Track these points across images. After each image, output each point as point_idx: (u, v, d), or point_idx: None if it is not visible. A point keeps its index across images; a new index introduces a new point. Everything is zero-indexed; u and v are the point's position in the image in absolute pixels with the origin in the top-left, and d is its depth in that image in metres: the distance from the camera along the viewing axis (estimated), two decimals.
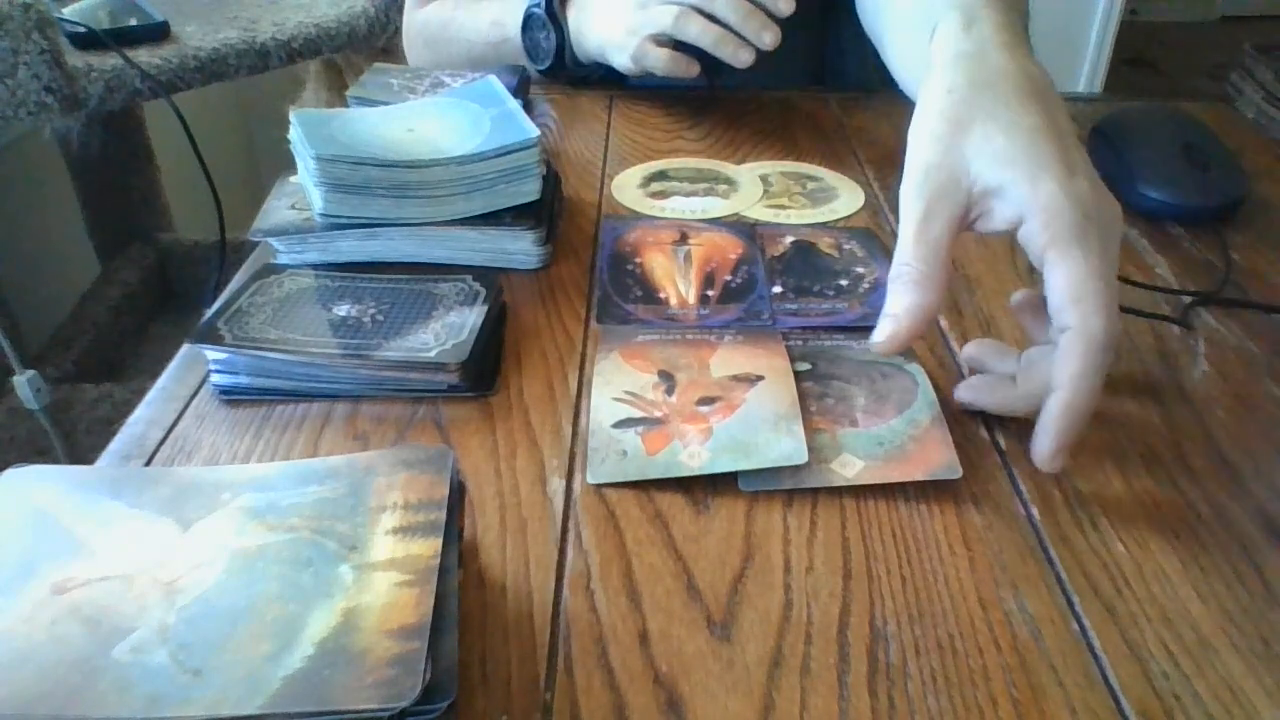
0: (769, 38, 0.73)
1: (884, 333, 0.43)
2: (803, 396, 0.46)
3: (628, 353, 0.51)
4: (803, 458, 0.43)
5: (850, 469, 0.42)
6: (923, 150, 0.44)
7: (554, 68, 0.85)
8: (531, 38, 0.85)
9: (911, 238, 0.43)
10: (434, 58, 0.94)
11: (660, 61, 0.76)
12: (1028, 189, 0.41)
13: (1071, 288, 0.40)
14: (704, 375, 0.49)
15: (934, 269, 0.42)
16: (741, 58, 0.73)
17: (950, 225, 0.43)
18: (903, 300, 0.42)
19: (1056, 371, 0.40)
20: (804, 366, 0.48)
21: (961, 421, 0.47)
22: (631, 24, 0.76)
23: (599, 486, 0.43)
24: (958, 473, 0.42)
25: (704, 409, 0.46)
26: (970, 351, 0.49)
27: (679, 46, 0.75)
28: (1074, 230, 0.40)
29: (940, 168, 0.43)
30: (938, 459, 0.43)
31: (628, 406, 0.47)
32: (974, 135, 0.43)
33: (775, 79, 0.77)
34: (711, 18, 0.73)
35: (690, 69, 0.76)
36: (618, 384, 0.48)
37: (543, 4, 0.83)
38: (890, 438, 0.44)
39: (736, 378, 0.48)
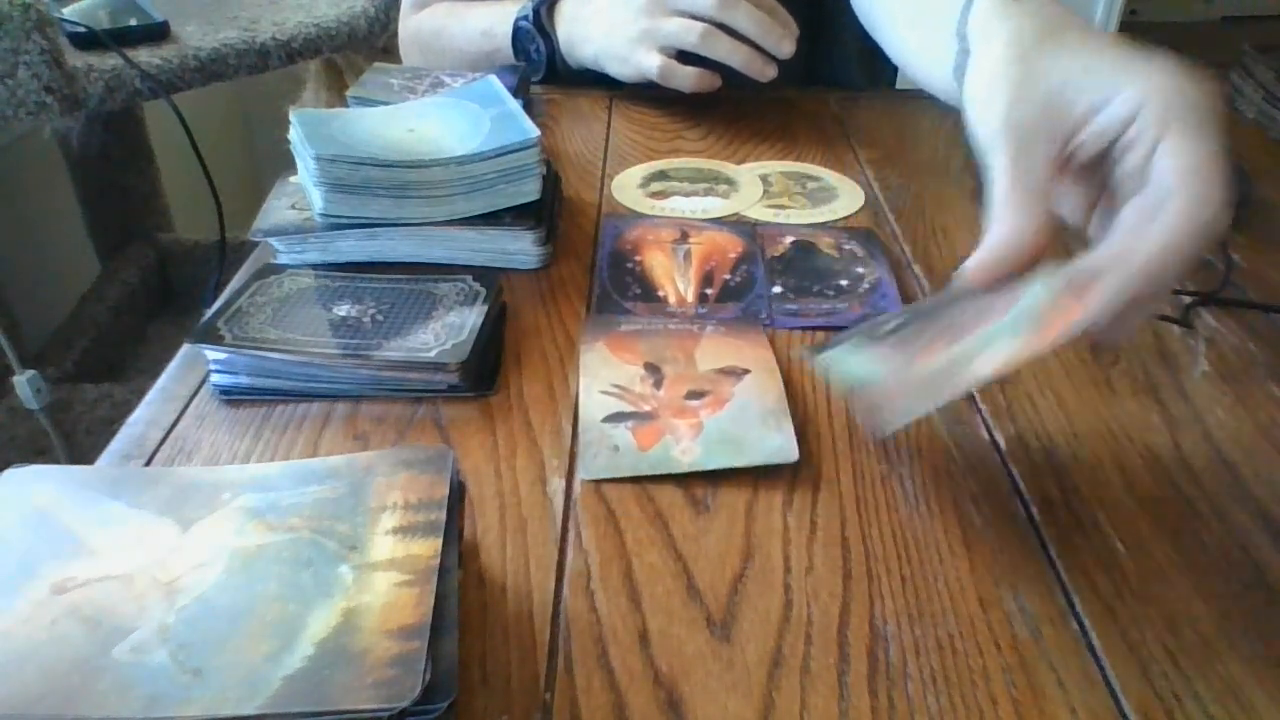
0: (787, 47, 0.73)
1: (973, 260, 0.40)
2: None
3: (613, 344, 0.51)
4: (793, 455, 0.43)
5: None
6: (996, 98, 0.40)
7: (546, 78, 0.86)
8: (522, 49, 0.85)
9: (1007, 187, 0.39)
10: (429, 66, 0.94)
11: (689, 79, 0.76)
12: (1140, 80, 0.38)
13: (1191, 166, 0.36)
14: (690, 368, 0.49)
15: (1034, 203, 0.38)
16: (769, 73, 0.74)
17: (1048, 159, 0.39)
18: (996, 229, 0.39)
19: (1144, 229, 0.36)
20: None
21: (962, 422, 0.47)
22: (632, 33, 0.76)
23: (598, 484, 0.43)
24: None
25: (693, 403, 0.46)
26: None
27: (684, 57, 0.75)
28: (1195, 114, 0.37)
29: (1021, 102, 0.40)
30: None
31: (616, 400, 0.47)
32: (1057, 61, 0.40)
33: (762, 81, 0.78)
34: (729, 31, 0.73)
35: (715, 83, 0.77)
36: (605, 377, 0.48)
37: (530, 16, 0.83)
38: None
39: (723, 371, 0.48)
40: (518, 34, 0.85)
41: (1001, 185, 0.39)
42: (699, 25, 0.73)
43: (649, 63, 0.76)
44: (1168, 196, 0.36)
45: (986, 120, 0.41)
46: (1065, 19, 0.43)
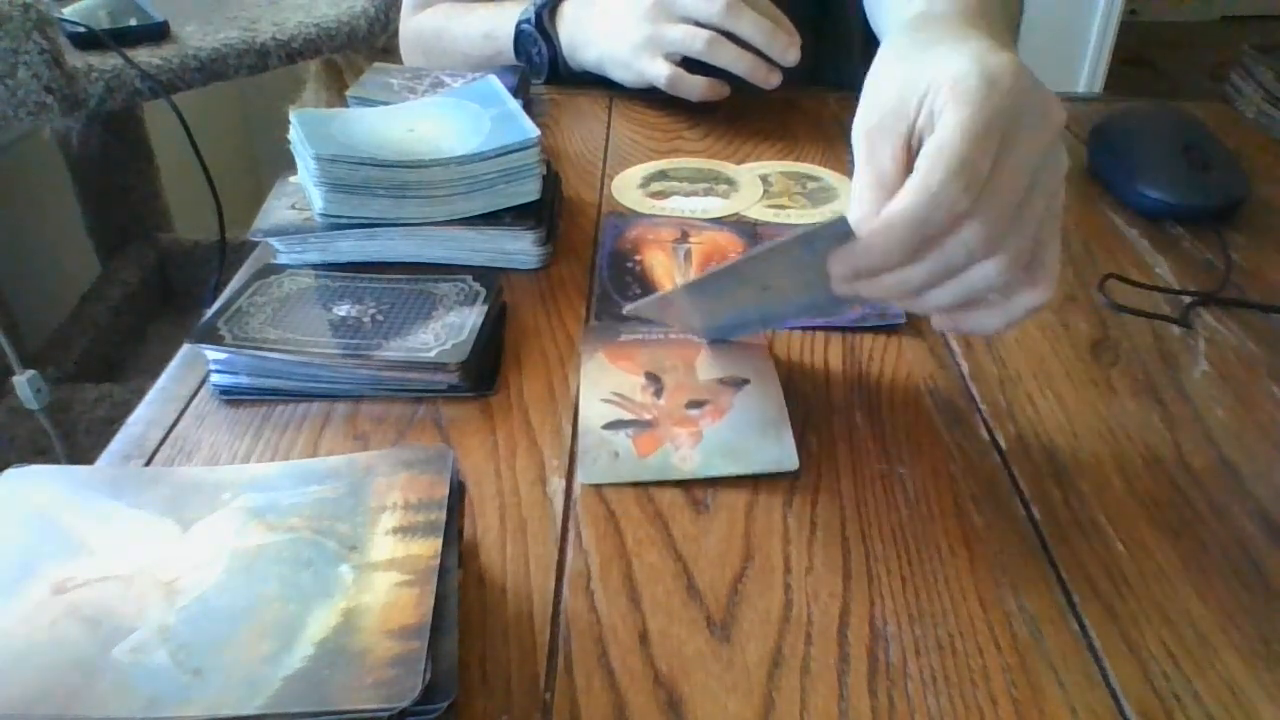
0: (792, 55, 0.73)
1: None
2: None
3: (613, 353, 0.51)
4: (793, 464, 0.43)
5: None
6: (861, 103, 0.43)
7: (548, 81, 0.85)
8: (524, 53, 0.85)
9: (859, 181, 0.41)
10: (430, 67, 0.94)
11: (698, 89, 0.76)
12: (948, 70, 0.39)
13: (934, 144, 0.37)
14: (690, 378, 0.49)
15: (882, 195, 0.40)
16: (773, 81, 0.74)
17: (892, 155, 0.41)
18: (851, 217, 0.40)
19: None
20: None
21: (962, 421, 0.47)
22: (637, 39, 0.76)
23: (598, 486, 0.43)
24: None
25: (693, 412, 0.46)
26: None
27: (689, 65, 0.75)
28: (965, 88, 0.38)
29: (874, 108, 0.42)
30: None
31: (617, 408, 0.47)
32: (909, 69, 0.41)
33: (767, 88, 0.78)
34: (733, 39, 0.73)
35: (724, 91, 0.77)
36: (605, 385, 0.48)
37: (532, 19, 0.83)
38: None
39: (723, 380, 0.48)
40: (520, 37, 0.85)
41: (856, 179, 0.42)
42: (704, 32, 0.73)
43: (655, 70, 0.76)
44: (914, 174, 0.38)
45: (855, 123, 0.43)
46: (955, 32, 0.44)
